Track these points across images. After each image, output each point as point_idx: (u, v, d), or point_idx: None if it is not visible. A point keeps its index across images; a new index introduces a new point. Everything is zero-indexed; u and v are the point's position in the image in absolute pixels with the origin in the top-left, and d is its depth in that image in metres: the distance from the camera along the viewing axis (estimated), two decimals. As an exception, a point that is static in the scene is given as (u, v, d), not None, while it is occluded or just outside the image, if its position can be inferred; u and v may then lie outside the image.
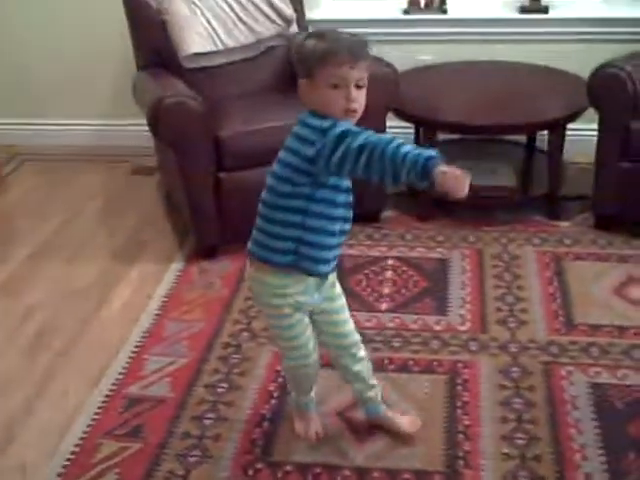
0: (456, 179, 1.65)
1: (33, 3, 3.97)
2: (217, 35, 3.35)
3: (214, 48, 3.34)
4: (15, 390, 2.53)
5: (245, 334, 2.72)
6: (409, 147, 1.66)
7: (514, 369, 2.50)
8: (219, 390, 2.46)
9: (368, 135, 1.70)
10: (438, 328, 2.72)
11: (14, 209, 3.75)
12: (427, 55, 3.71)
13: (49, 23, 3.99)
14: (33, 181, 3.96)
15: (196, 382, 2.49)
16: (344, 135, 1.71)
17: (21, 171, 4.07)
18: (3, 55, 4.08)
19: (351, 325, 2.13)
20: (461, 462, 2.16)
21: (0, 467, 2.23)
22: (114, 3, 3.39)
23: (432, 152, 1.65)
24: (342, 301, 2.11)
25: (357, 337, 2.14)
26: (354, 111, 1.76)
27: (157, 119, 2.87)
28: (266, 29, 3.42)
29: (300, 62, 1.79)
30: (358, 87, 1.75)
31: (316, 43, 1.75)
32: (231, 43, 3.37)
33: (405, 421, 2.27)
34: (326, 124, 1.74)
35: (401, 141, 1.68)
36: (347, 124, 1.76)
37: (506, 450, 2.19)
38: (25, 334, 2.79)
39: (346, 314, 2.12)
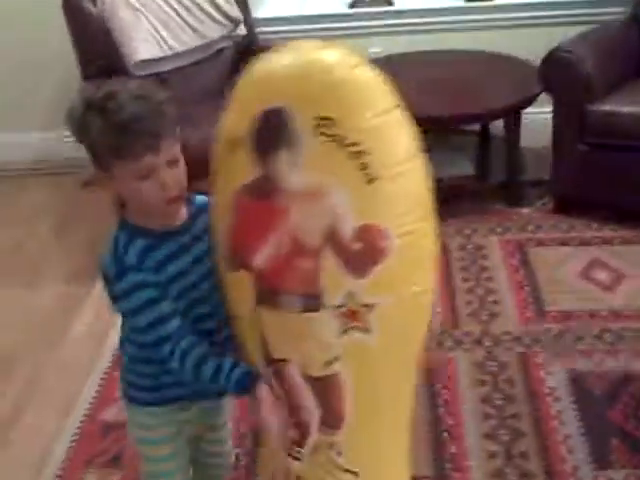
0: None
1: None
2: (164, 40, 3.28)
3: (162, 53, 3.27)
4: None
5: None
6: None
7: (491, 363, 2.50)
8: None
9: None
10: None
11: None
12: (377, 47, 3.68)
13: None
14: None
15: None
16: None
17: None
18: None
19: None
20: (449, 465, 2.15)
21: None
22: (54, 10, 3.28)
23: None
24: None
25: None
26: (177, 197, 1.42)
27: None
28: (213, 31, 3.37)
29: (86, 148, 1.41)
30: (172, 163, 1.40)
31: (99, 128, 1.35)
32: (179, 47, 3.31)
33: None
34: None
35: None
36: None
37: (491, 448, 2.19)
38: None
39: None
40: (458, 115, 3.24)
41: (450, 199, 3.42)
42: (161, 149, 1.37)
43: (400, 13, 3.73)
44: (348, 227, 1.37)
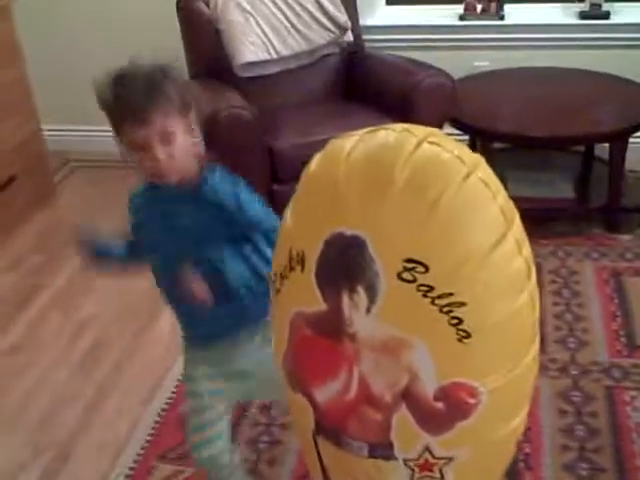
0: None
1: (94, 14, 3.98)
2: (271, 43, 3.31)
3: (268, 57, 3.31)
4: (69, 408, 2.53)
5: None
6: None
7: (575, 393, 2.42)
8: (273, 412, 2.43)
9: None
10: (495, 348, 2.64)
11: (65, 218, 3.76)
12: (484, 61, 3.63)
13: (106, 32, 3.99)
14: (84, 189, 3.97)
15: (250, 403, 2.46)
16: None
17: (73, 178, 4.09)
18: (59, 62, 4.08)
19: None
20: (523, 495, 2.10)
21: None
22: (171, 13, 3.36)
23: None
24: None
25: None
26: (166, 174, 1.54)
27: (212, 132, 2.83)
28: (320, 37, 3.38)
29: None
30: (167, 137, 1.51)
31: (107, 97, 1.53)
32: (285, 51, 3.34)
33: None
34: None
35: None
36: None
37: (569, 481, 2.13)
38: (79, 350, 2.79)
39: None
40: (561, 137, 3.16)
41: (547, 220, 3.35)
42: (151, 123, 1.48)
43: (510, 27, 3.66)
44: (429, 388, 1.19)
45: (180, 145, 1.53)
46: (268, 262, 1.55)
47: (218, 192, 1.60)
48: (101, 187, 3.93)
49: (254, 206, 1.65)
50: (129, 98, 1.49)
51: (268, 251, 1.63)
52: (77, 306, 3.03)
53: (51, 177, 3.93)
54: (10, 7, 3.51)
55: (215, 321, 1.68)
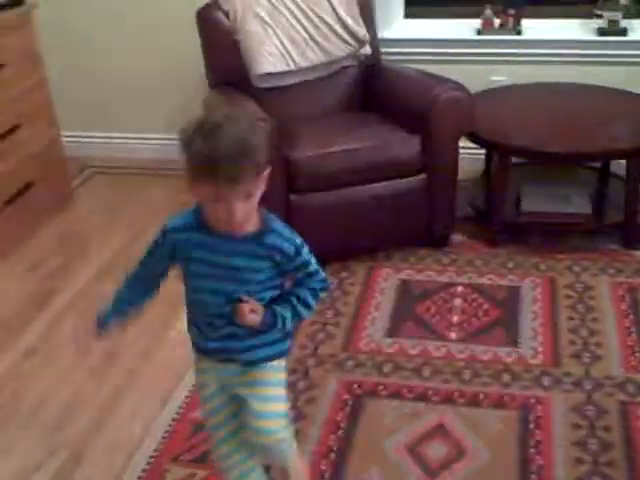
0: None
1: (114, 21, 4.02)
2: (289, 55, 3.33)
3: (286, 68, 3.33)
4: (84, 410, 2.55)
5: (312, 360, 2.69)
6: None
7: (589, 407, 2.42)
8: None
9: None
10: (509, 360, 2.65)
11: (83, 223, 3.80)
12: (501, 76, 3.64)
13: (126, 40, 4.03)
14: (102, 194, 4.01)
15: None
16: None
17: (91, 183, 4.12)
18: (78, 69, 4.13)
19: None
20: (535, 506, 2.10)
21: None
22: (190, 23, 3.40)
23: None
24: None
25: None
26: (239, 225, 1.62)
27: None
28: (339, 49, 3.40)
29: (185, 159, 1.59)
30: (247, 197, 1.58)
31: (197, 150, 1.53)
32: (303, 63, 3.36)
33: None
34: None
35: None
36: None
37: (582, 495, 2.12)
38: (93, 354, 2.81)
39: None
40: (578, 153, 3.16)
41: (563, 234, 3.35)
42: (238, 184, 1.54)
43: (527, 42, 3.68)
44: None
45: (255, 200, 1.61)
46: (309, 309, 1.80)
47: (282, 238, 1.69)
48: (118, 192, 3.98)
49: (310, 256, 1.76)
50: (221, 156, 1.51)
51: (310, 301, 1.80)
52: (93, 310, 3.04)
53: (69, 182, 3.97)
54: (31, 15, 3.55)
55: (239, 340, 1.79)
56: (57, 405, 2.57)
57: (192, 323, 1.87)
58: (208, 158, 1.51)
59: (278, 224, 1.72)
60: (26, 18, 3.53)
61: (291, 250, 1.70)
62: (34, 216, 3.58)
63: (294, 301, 1.77)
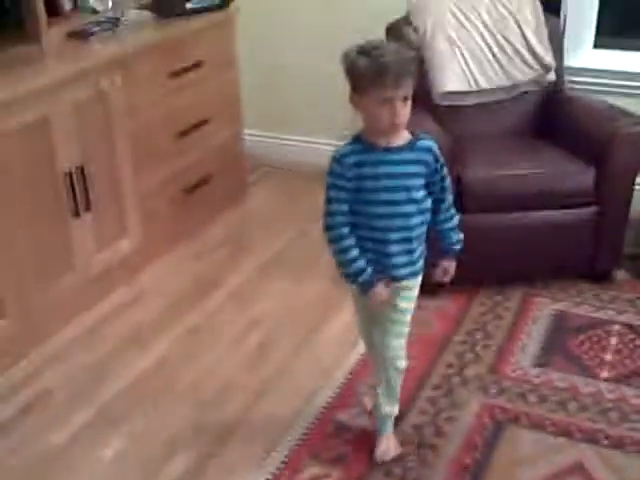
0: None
1: (306, 31, 4.17)
2: (472, 75, 3.36)
3: (468, 88, 3.36)
4: (234, 396, 2.68)
5: (456, 379, 2.71)
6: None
7: None
8: (425, 433, 2.47)
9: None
10: (661, 408, 2.57)
11: (253, 218, 3.98)
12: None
13: (316, 51, 4.15)
14: (273, 193, 4.18)
15: (401, 420, 2.51)
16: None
17: (264, 181, 4.30)
18: (268, 72, 4.32)
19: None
20: None
21: (215, 464, 2.39)
22: (380, 35, 3.49)
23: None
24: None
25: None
26: (399, 124, 1.98)
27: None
28: (522, 74, 3.39)
29: (350, 78, 1.98)
30: (404, 100, 1.95)
31: (365, 63, 1.91)
32: (485, 84, 3.38)
33: (380, 449, 2.37)
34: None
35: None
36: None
37: None
38: (247, 345, 2.95)
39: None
40: None
41: None
42: (401, 86, 1.92)
43: None
44: None
45: (409, 107, 1.98)
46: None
47: (428, 141, 2.09)
48: (287, 193, 4.14)
49: (445, 170, 2.14)
50: (389, 62, 1.90)
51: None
52: (252, 302, 3.20)
53: (245, 178, 4.16)
54: (234, 18, 3.77)
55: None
56: (210, 387, 2.72)
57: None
58: (378, 64, 1.89)
59: (423, 134, 2.10)
60: (229, 20, 3.76)
61: (437, 151, 2.09)
62: (210, 207, 3.79)
63: (454, 222, 2.24)
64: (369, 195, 2.04)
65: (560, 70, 3.47)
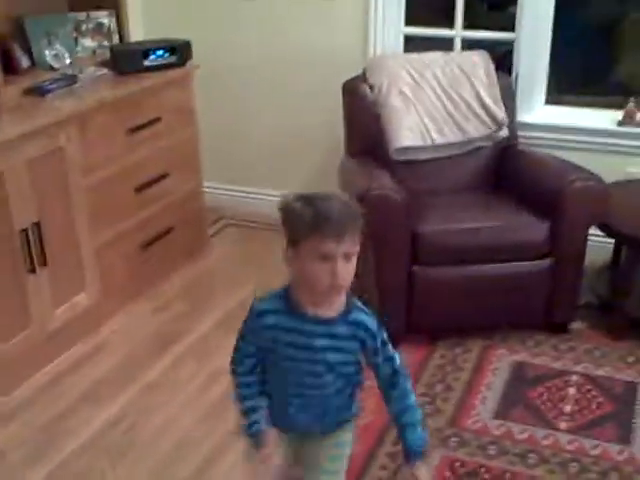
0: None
1: (263, 84, 4.23)
2: (427, 131, 3.43)
3: (423, 144, 3.42)
4: (192, 453, 2.65)
5: (417, 432, 2.71)
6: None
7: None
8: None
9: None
10: (620, 459, 2.59)
11: (213, 271, 3.97)
12: (637, 168, 3.61)
13: (275, 105, 4.23)
14: (233, 246, 4.18)
15: (362, 476, 2.50)
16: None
17: (224, 234, 4.30)
18: (227, 126, 4.35)
19: None
20: None
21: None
22: (335, 91, 3.56)
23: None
24: None
25: None
26: (339, 286, 1.68)
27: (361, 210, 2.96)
28: (476, 129, 3.47)
29: (287, 228, 1.71)
30: (347, 258, 1.67)
31: (303, 209, 1.66)
32: (440, 140, 3.44)
33: None
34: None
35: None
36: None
37: None
38: (207, 399, 2.92)
39: None
40: None
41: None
42: (344, 241, 1.64)
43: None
44: None
45: (353, 266, 1.69)
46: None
47: (365, 313, 1.79)
48: (249, 245, 4.14)
49: (389, 349, 1.83)
50: (330, 213, 1.65)
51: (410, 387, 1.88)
52: (212, 356, 3.18)
53: (206, 231, 4.17)
54: (192, 75, 3.81)
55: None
56: (168, 442, 2.69)
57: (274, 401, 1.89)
58: (319, 212, 1.64)
59: (358, 302, 1.79)
60: (187, 77, 3.79)
61: (374, 326, 1.77)
62: (169, 261, 3.78)
63: (414, 416, 1.86)
64: (284, 361, 1.79)
65: (513, 126, 3.56)
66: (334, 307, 1.75)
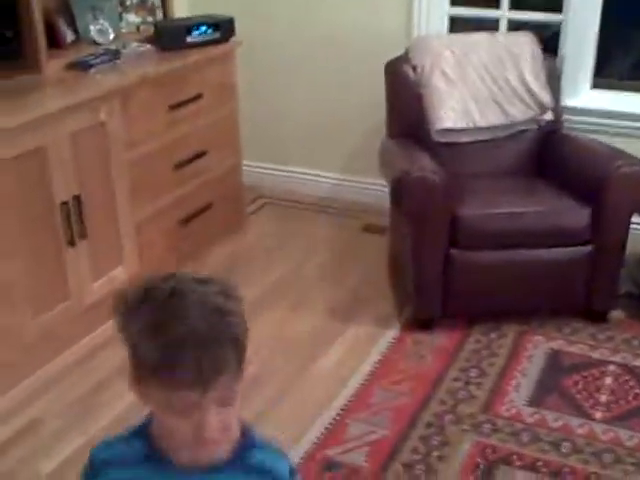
0: None
1: (305, 63, 4.22)
2: (470, 113, 3.39)
3: (465, 126, 3.38)
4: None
5: (449, 416, 2.70)
6: None
7: None
8: (416, 472, 2.46)
9: None
10: (655, 451, 2.55)
11: (251, 248, 3.97)
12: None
13: (314, 84, 4.22)
14: (270, 224, 4.19)
15: (393, 458, 2.50)
16: None
17: (262, 213, 4.31)
18: (267, 104, 4.35)
19: None
20: None
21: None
22: (379, 71, 3.53)
23: None
24: None
25: None
26: (212, 440, 1.12)
27: (401, 191, 2.95)
28: (520, 113, 3.41)
29: (125, 344, 1.14)
30: (223, 403, 1.12)
31: (148, 330, 1.07)
32: (483, 122, 3.40)
33: None
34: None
35: None
36: None
37: None
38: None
39: None
40: None
41: None
42: (214, 388, 1.07)
43: None
44: None
45: (237, 405, 1.15)
46: None
47: (272, 453, 1.29)
48: (285, 224, 4.15)
49: None
50: (185, 340, 1.05)
51: None
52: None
53: (244, 209, 4.18)
54: (234, 52, 3.80)
55: None
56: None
57: None
58: (167, 341, 1.05)
59: (259, 436, 1.26)
60: (230, 54, 3.79)
61: (286, 471, 1.26)
62: (207, 238, 3.79)
63: None
64: None
65: (558, 110, 3.50)
66: (220, 447, 1.18)
